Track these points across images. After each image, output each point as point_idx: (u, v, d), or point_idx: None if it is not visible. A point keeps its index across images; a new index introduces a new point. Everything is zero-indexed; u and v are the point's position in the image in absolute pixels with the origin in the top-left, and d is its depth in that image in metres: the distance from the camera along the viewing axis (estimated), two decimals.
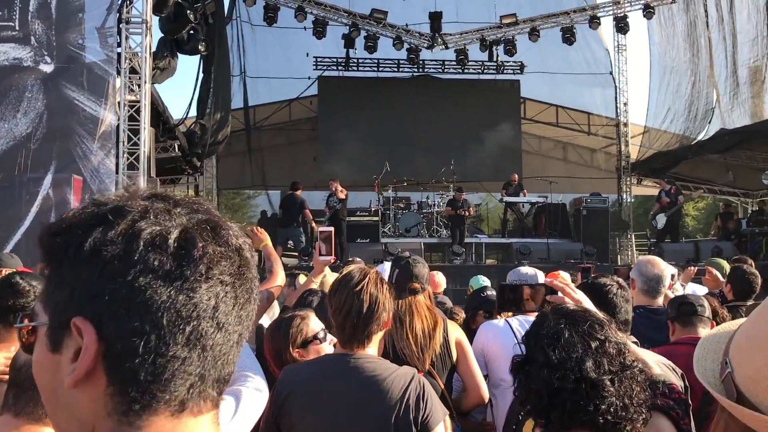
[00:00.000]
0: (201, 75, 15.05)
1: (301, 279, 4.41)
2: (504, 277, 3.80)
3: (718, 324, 3.35)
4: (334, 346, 2.51)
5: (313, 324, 2.59)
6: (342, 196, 13.39)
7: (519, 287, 2.15)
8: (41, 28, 10.31)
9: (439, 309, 3.44)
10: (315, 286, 3.45)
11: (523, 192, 16.35)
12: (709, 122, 18.35)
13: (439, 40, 18.24)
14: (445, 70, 20.37)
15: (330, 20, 17.45)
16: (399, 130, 19.19)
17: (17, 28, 10.29)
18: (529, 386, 1.54)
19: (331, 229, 3.43)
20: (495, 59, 19.19)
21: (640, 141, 20.19)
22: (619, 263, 15.91)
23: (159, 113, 13.22)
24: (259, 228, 3.52)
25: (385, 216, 15.54)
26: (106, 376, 0.72)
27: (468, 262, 14.73)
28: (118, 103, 10.70)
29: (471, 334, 3.50)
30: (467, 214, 14.96)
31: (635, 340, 2.51)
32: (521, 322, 3.19)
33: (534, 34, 17.70)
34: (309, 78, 19.78)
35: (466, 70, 19.83)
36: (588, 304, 1.92)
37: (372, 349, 2.30)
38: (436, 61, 20.12)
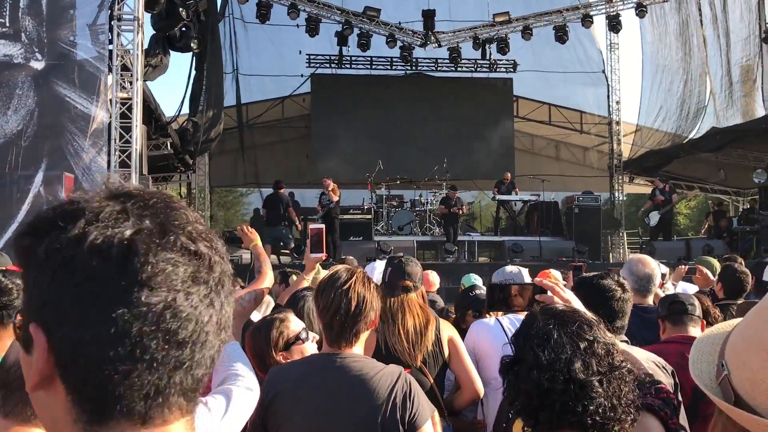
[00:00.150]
0: (193, 72, 15.02)
1: (294, 278, 4.40)
2: None
3: (708, 323, 3.37)
4: (318, 344, 2.51)
5: (294, 325, 2.58)
6: (335, 198, 13.40)
7: (508, 287, 2.16)
8: (32, 24, 10.25)
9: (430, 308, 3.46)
10: (307, 283, 3.45)
11: (515, 190, 16.39)
12: (701, 120, 18.43)
13: (432, 38, 18.24)
14: (438, 69, 20.37)
15: (323, 18, 17.42)
16: (392, 128, 19.19)
17: (7, 24, 10.23)
18: (518, 387, 1.54)
19: (322, 226, 3.43)
20: (488, 57, 19.21)
21: (632, 139, 20.27)
22: (611, 261, 15.97)
23: (151, 111, 13.17)
24: (249, 228, 3.52)
25: (378, 214, 15.55)
26: (63, 384, 0.72)
27: (460, 260, 14.75)
28: (110, 100, 10.65)
29: (461, 333, 3.51)
30: (460, 212, 14.98)
31: (626, 339, 2.52)
32: (512, 321, 3.21)
33: (527, 32, 17.72)
34: (302, 75, 19.74)
35: (459, 69, 19.84)
36: (577, 304, 1.92)
37: (359, 348, 2.31)
38: (429, 59, 20.11)
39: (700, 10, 18.51)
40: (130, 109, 10.94)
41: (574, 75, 20.40)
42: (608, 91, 20.09)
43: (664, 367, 2.34)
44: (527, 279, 3.46)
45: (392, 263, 3.26)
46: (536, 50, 19.15)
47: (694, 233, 23.95)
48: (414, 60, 19.67)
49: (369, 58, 19.55)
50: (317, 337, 2.48)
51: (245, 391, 2.04)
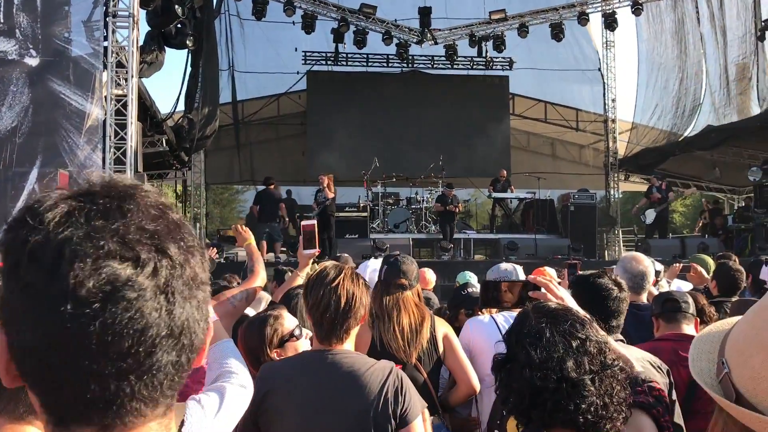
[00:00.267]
0: (189, 69, 14.96)
1: (289, 275, 4.40)
2: None
3: (703, 320, 3.38)
4: (311, 340, 2.52)
5: (288, 322, 2.59)
6: (331, 195, 13.39)
7: (499, 283, 2.16)
8: (26, 20, 10.21)
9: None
10: (301, 280, 3.44)
11: (510, 188, 16.40)
12: (697, 118, 18.46)
13: (429, 35, 18.23)
14: (435, 66, 20.36)
15: (319, 14, 17.40)
16: (388, 125, 19.19)
17: (2, 20, 10.19)
18: (511, 385, 1.54)
19: (314, 222, 3.41)
20: (484, 55, 19.23)
21: (627, 137, 20.29)
22: (606, 259, 16.00)
23: (146, 107, 13.13)
24: (243, 227, 3.51)
25: (373, 212, 15.53)
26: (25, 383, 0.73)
27: (456, 257, 14.75)
28: (105, 97, 10.62)
29: (455, 331, 3.51)
30: (457, 209, 14.99)
31: (622, 338, 2.52)
32: (507, 318, 3.22)
33: (523, 30, 17.74)
34: (298, 73, 19.71)
35: (455, 66, 19.84)
36: (570, 301, 1.92)
37: (349, 344, 2.31)
38: (425, 56, 20.10)
39: (697, 8, 18.53)
40: (125, 106, 10.91)
41: (570, 73, 20.41)
42: (604, 88, 20.12)
43: (659, 367, 2.35)
44: (522, 276, 3.47)
45: (388, 261, 3.27)
46: (532, 48, 19.17)
47: (690, 231, 24.00)
48: (410, 57, 19.66)
49: (365, 55, 19.53)
50: (311, 334, 2.49)
51: (239, 388, 2.03)
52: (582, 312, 1.69)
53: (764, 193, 14.52)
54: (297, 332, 2.56)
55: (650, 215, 15.54)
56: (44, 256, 0.69)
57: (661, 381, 2.15)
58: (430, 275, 5.90)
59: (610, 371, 1.50)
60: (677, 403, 2.15)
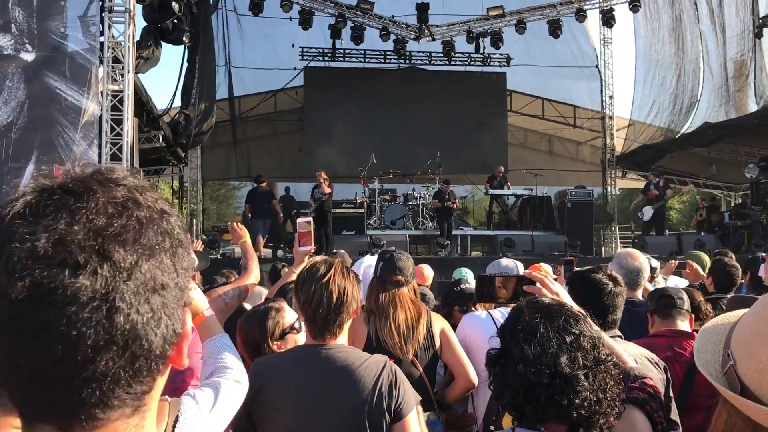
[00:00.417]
0: (185, 65, 14.91)
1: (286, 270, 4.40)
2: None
3: (698, 317, 3.39)
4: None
5: (289, 315, 2.61)
6: (328, 190, 13.39)
7: (493, 278, 2.16)
8: (22, 15, 10.16)
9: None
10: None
11: (507, 184, 16.40)
12: (694, 115, 18.47)
13: (426, 31, 18.21)
14: (432, 62, 20.36)
15: (316, 10, 17.36)
16: (385, 121, 19.17)
17: None
18: (505, 380, 1.54)
19: (310, 219, 3.42)
20: (481, 51, 19.22)
21: (625, 134, 20.30)
22: (603, 255, 16.02)
23: (143, 103, 13.10)
24: (239, 224, 3.51)
25: (371, 208, 15.53)
26: None
27: (453, 254, 14.76)
28: (101, 92, 10.58)
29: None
30: (454, 206, 14.99)
31: (619, 334, 2.52)
32: (503, 314, 3.21)
33: (521, 26, 17.73)
34: (295, 68, 19.66)
35: (452, 62, 19.83)
36: (565, 297, 1.92)
37: (343, 338, 2.32)
38: (422, 52, 20.09)
39: (695, 5, 18.53)
40: (121, 101, 10.87)
41: (568, 69, 20.40)
42: (601, 85, 20.12)
43: (657, 363, 2.35)
44: (522, 272, 3.45)
45: (384, 258, 3.26)
46: (530, 44, 19.15)
47: (686, 228, 24.05)
48: (407, 53, 19.65)
49: (362, 52, 19.51)
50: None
51: (234, 383, 2.03)
52: (576, 307, 1.69)
53: (761, 190, 14.55)
54: (297, 325, 2.58)
55: (647, 212, 15.57)
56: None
57: (658, 377, 2.15)
58: (428, 271, 5.91)
59: (604, 366, 1.50)
60: (673, 400, 2.16)
